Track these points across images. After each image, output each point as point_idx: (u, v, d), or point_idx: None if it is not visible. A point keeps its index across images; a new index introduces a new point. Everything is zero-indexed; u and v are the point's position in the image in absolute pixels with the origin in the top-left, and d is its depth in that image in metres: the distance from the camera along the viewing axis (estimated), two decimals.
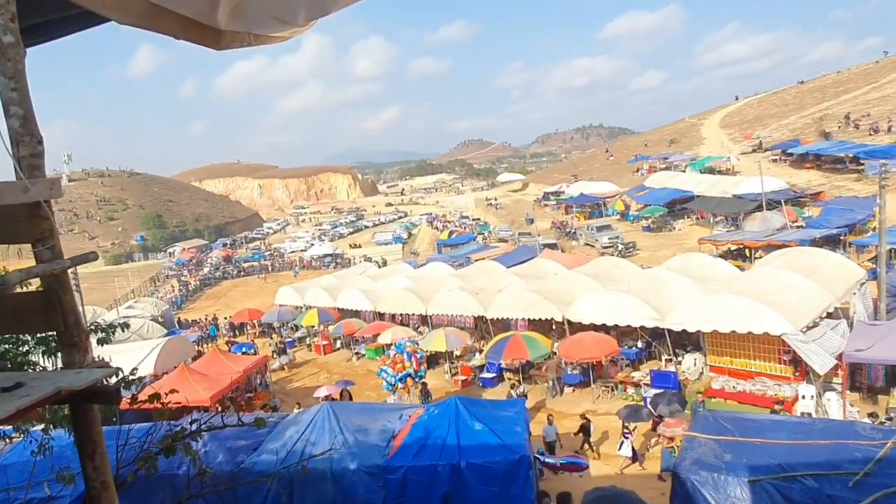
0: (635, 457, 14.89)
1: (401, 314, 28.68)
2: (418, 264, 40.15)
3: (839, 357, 15.99)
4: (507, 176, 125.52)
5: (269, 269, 63.71)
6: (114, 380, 4.40)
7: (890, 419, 14.33)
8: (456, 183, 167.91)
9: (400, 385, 20.67)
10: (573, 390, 20.41)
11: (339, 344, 30.36)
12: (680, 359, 19.96)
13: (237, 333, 36.92)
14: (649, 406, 16.24)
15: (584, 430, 15.79)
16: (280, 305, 35.35)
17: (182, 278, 63.68)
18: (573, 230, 50.13)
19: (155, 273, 69.51)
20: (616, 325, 20.72)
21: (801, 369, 16.88)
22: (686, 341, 20.51)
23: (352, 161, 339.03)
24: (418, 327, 28.07)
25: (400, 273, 34.93)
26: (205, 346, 32.56)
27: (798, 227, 33.31)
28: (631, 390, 19.29)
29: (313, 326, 31.72)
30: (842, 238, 29.93)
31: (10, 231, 2.42)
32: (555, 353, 20.74)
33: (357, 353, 28.60)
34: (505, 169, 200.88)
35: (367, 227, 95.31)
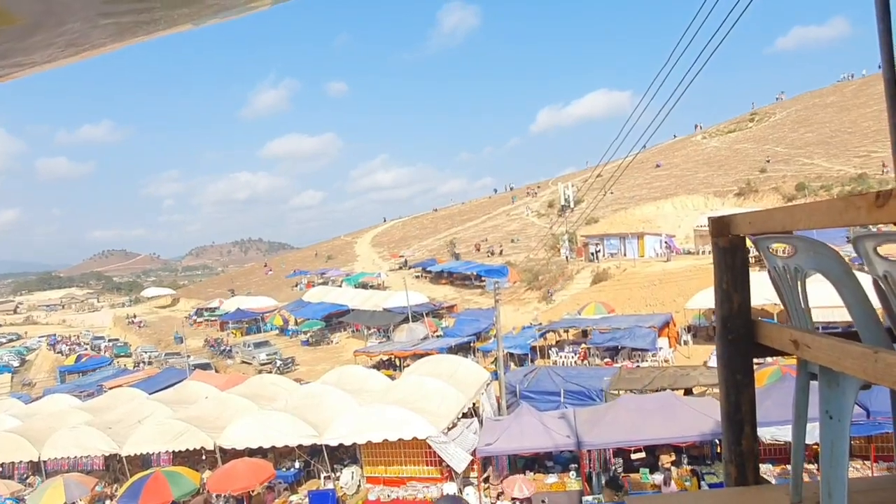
0: None
1: (2, 464, 22.94)
2: (31, 398, 33.97)
3: (474, 453, 17.68)
4: (155, 290, 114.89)
5: None
6: None
7: None
8: (90, 298, 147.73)
9: None
10: None
11: None
12: (338, 474, 19.72)
13: None
14: None
15: None
16: None
17: None
18: (228, 348, 47.74)
19: None
20: (273, 447, 19.68)
21: (446, 469, 18.13)
22: (344, 455, 20.46)
23: None
24: (27, 478, 22.93)
25: (4, 411, 28.70)
26: None
27: (437, 336, 37.28)
28: None
29: None
30: (471, 345, 34.39)
31: None
32: (203, 488, 18.56)
33: None
34: (152, 283, 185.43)
35: None
